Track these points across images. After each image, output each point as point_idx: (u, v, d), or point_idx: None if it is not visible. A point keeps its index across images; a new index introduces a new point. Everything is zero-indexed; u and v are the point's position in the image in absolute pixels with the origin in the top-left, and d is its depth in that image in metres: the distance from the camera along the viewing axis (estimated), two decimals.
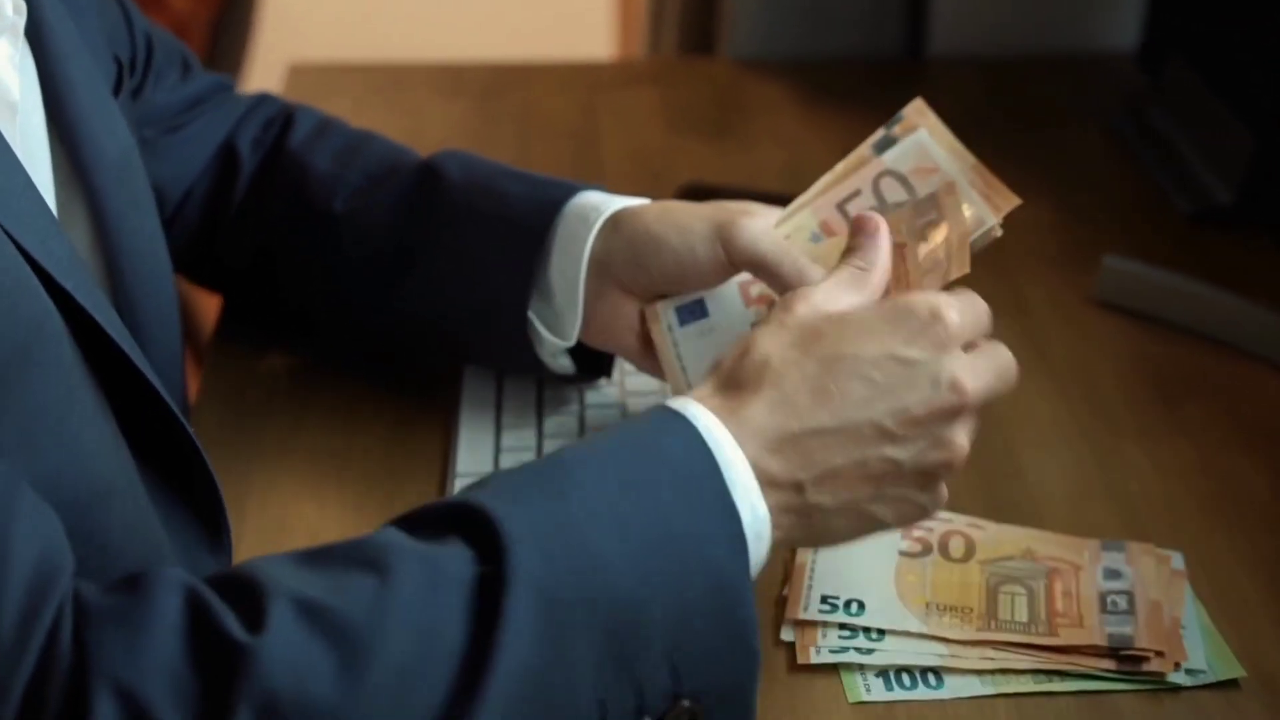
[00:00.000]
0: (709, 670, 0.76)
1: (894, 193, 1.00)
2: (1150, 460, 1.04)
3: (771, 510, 0.80)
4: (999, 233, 0.99)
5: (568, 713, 0.74)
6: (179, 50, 1.15)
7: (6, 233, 0.76)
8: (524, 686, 0.72)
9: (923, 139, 1.01)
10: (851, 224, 0.91)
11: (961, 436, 0.83)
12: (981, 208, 0.99)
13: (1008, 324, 1.18)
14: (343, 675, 0.70)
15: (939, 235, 0.96)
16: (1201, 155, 1.35)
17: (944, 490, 0.85)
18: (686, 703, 0.76)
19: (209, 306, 1.29)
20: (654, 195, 1.19)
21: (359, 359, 1.12)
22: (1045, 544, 0.95)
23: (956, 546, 0.95)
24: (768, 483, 0.80)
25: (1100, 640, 0.88)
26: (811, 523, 0.82)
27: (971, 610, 0.90)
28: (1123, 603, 0.90)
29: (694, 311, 1.01)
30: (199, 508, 0.91)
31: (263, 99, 1.18)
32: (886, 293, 0.95)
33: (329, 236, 1.09)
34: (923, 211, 0.98)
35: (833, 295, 0.86)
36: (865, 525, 0.84)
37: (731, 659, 0.77)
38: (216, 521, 0.91)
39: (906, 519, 0.85)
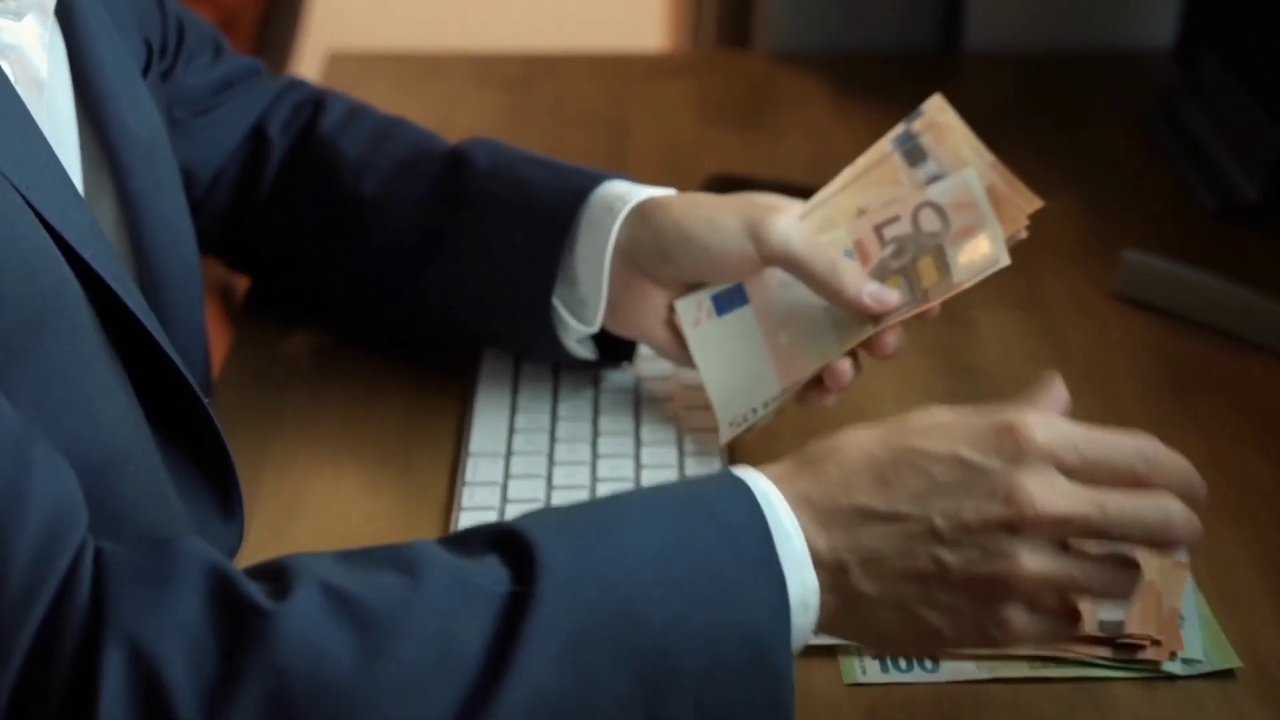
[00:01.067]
0: None
1: (930, 223, 1.01)
2: None
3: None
4: (1024, 234, 1.00)
5: None
6: (211, 34, 1.17)
7: (27, 202, 0.78)
8: (539, 707, 0.72)
9: (969, 178, 1.01)
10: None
11: (1023, 555, 0.76)
12: (999, 246, 0.99)
13: (1025, 317, 1.20)
14: (359, 662, 0.71)
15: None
16: (1230, 152, 1.35)
17: (1010, 615, 0.78)
18: None
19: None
20: (680, 186, 1.20)
21: (383, 341, 1.14)
22: None
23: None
24: (814, 559, 0.78)
25: (1091, 626, 0.88)
26: (857, 611, 0.79)
27: None
28: None
29: (732, 299, 1.03)
30: (213, 477, 0.92)
31: (293, 83, 1.20)
32: None
33: (357, 221, 1.11)
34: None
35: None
36: (917, 630, 0.79)
37: None
38: (229, 491, 0.93)
39: (965, 636, 0.79)
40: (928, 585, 0.78)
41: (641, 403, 1.07)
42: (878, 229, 1.01)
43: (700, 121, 1.49)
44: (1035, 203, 1.00)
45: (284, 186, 1.14)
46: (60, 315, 0.79)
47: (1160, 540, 0.78)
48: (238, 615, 0.70)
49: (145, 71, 1.04)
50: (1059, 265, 1.25)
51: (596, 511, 0.79)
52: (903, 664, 0.88)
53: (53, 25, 0.90)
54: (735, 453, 1.04)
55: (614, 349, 1.09)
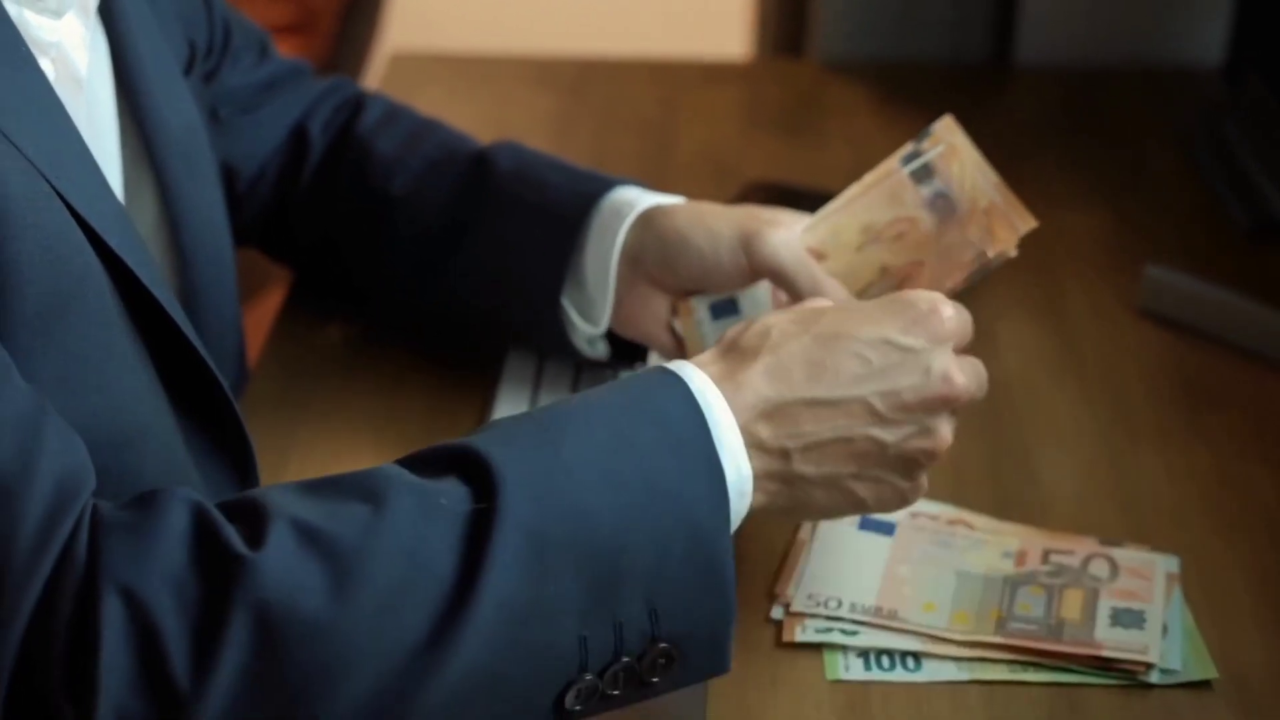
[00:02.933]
0: (686, 616, 0.81)
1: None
2: (1165, 465, 1.06)
3: (756, 474, 0.84)
4: (1013, 253, 1.01)
5: (550, 648, 0.78)
6: (258, 35, 1.21)
7: (56, 192, 0.82)
8: (507, 619, 0.76)
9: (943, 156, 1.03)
10: None
11: (946, 428, 0.87)
12: (981, 177, 1.01)
13: (1045, 326, 1.21)
14: (332, 593, 0.75)
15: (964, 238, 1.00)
16: (1266, 172, 1.35)
17: (924, 480, 0.88)
18: (663, 645, 0.80)
19: None
20: (720, 192, 1.23)
21: (412, 336, 1.17)
22: (1048, 540, 0.98)
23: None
24: (755, 446, 0.84)
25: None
26: (793, 491, 0.86)
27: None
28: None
29: (726, 308, 1.06)
30: (233, 457, 0.96)
31: (337, 84, 1.23)
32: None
33: (386, 217, 1.15)
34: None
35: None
36: (845, 502, 0.87)
37: (707, 607, 0.81)
38: (248, 471, 0.97)
39: (885, 503, 0.88)
40: (864, 461, 0.86)
41: None
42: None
43: (746, 128, 1.51)
44: (1029, 223, 1.01)
45: (322, 183, 1.18)
46: (84, 300, 0.83)
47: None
48: (219, 562, 0.75)
49: (188, 71, 1.08)
50: (1084, 277, 1.26)
51: (543, 422, 0.83)
52: (885, 663, 0.90)
53: (95, 23, 0.94)
54: None
55: (629, 350, 1.12)
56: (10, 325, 0.78)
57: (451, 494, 0.79)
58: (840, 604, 0.93)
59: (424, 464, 0.81)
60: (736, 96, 1.58)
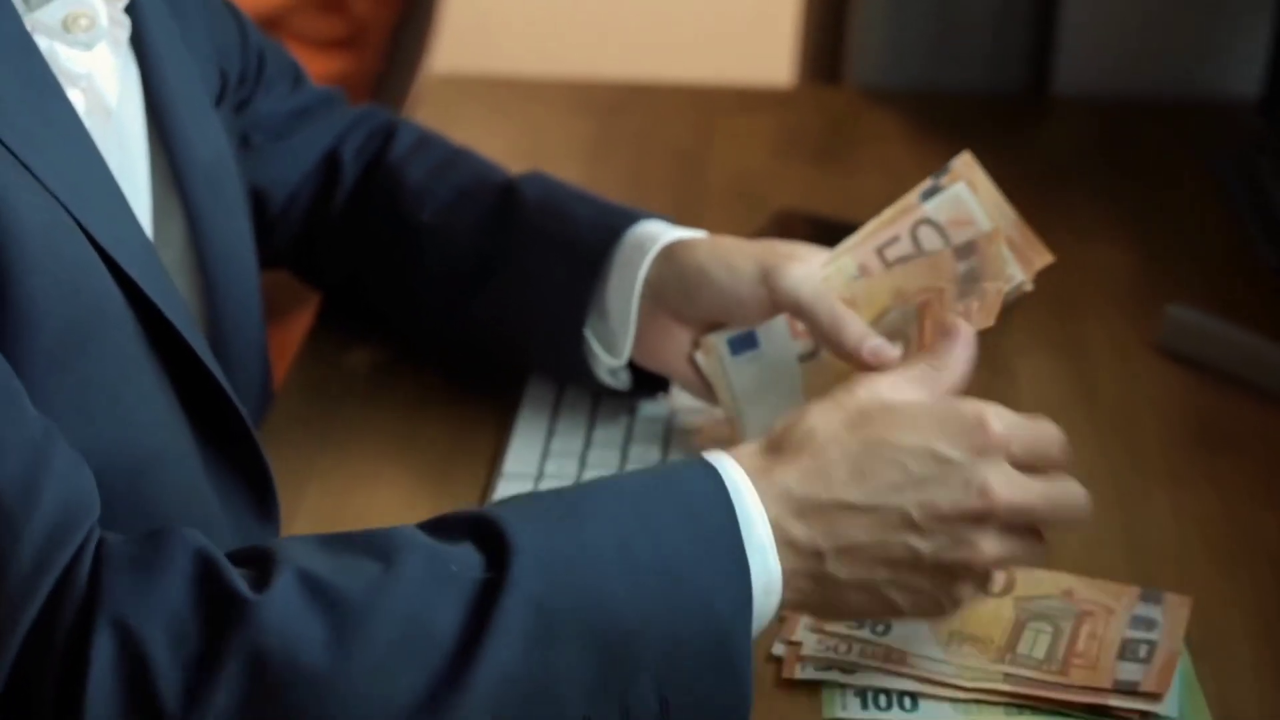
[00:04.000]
0: (697, 707, 0.80)
1: (930, 241, 1.04)
2: (1173, 507, 1.06)
3: (786, 572, 0.83)
4: (1029, 287, 1.02)
5: None
6: (291, 64, 1.24)
7: (78, 224, 0.84)
8: (509, 691, 0.77)
9: (960, 192, 1.04)
10: (939, 328, 0.94)
11: (987, 543, 0.85)
12: (1012, 265, 1.02)
13: (1063, 363, 1.21)
14: (332, 646, 0.76)
15: (979, 286, 1.00)
16: None
17: (965, 592, 0.87)
18: None
19: None
20: (751, 219, 1.24)
21: (436, 361, 1.19)
22: (1087, 588, 0.97)
23: (998, 580, 0.96)
24: (787, 544, 0.83)
25: (1107, 682, 0.90)
26: (825, 592, 0.85)
27: (992, 642, 0.94)
28: (1143, 651, 0.92)
29: (745, 342, 1.07)
30: (251, 482, 0.98)
31: (369, 112, 1.25)
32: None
33: (415, 245, 1.17)
34: (963, 256, 1.02)
35: (898, 386, 0.89)
36: (879, 606, 0.87)
37: (721, 701, 0.81)
38: (266, 496, 0.99)
39: (922, 611, 0.87)
40: (898, 569, 0.85)
41: (671, 435, 1.11)
42: (880, 251, 1.04)
43: (779, 155, 1.52)
44: (1046, 258, 1.02)
45: (354, 209, 1.20)
46: (104, 330, 0.86)
47: (1076, 520, 0.89)
48: (220, 602, 0.76)
49: (220, 99, 1.10)
50: (1106, 313, 1.26)
51: (568, 498, 0.84)
52: (882, 702, 0.91)
53: (126, 53, 0.96)
54: None
55: (651, 381, 1.13)
56: (29, 356, 0.81)
57: (463, 560, 0.79)
58: (850, 648, 0.93)
59: (442, 528, 0.82)
60: (771, 123, 1.59)
